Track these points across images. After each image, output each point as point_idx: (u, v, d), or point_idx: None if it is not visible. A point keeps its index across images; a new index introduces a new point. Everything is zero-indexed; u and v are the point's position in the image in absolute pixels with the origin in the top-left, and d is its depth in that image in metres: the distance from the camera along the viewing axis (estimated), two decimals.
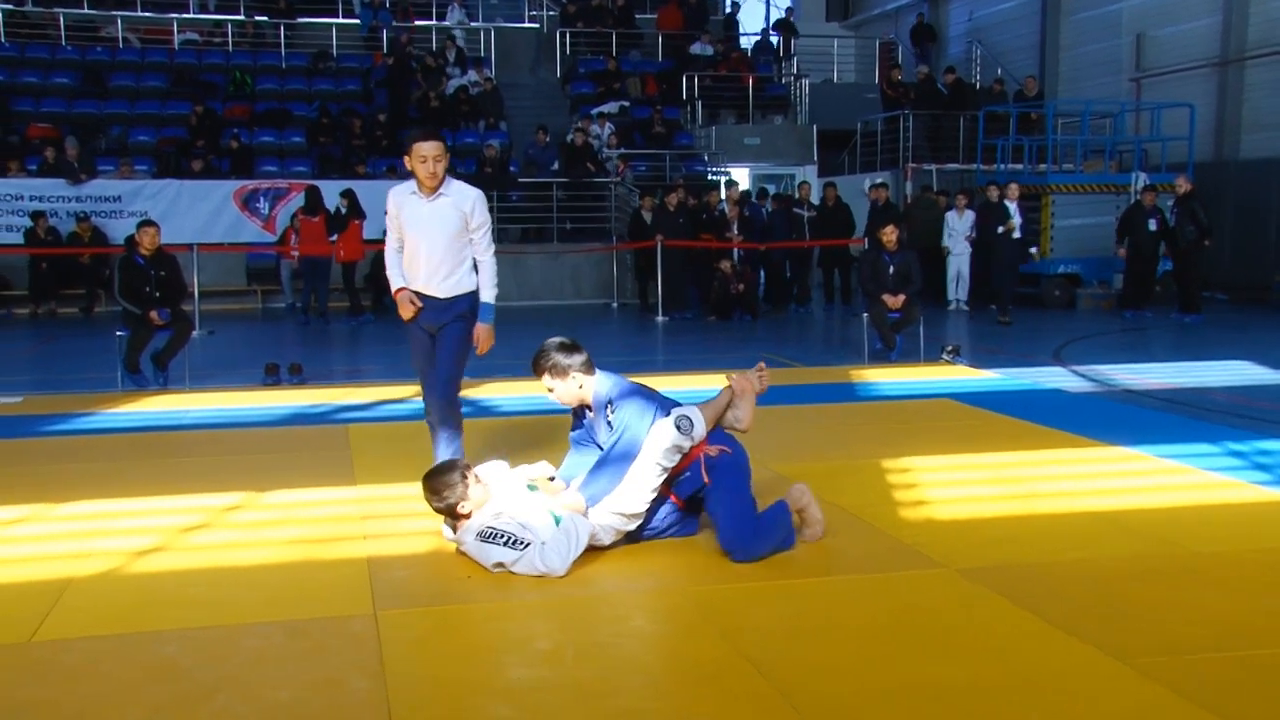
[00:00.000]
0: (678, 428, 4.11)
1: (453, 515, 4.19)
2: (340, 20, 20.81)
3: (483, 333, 5.04)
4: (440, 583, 3.99)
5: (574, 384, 4.33)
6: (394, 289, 5.06)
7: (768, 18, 25.16)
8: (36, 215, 14.19)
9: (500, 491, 4.25)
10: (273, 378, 8.56)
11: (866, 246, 12.84)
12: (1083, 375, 8.88)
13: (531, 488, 4.32)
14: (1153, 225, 13.32)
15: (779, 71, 21.45)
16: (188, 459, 5.93)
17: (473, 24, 20.91)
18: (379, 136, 17.01)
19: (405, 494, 5.08)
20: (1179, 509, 4.85)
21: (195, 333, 9.09)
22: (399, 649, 3.37)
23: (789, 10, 22.31)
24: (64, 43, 19.18)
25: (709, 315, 13.80)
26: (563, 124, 18.42)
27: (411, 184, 4.91)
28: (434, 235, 4.86)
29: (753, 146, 19.54)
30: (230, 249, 15.12)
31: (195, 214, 14.64)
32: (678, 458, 4.16)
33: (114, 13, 19.73)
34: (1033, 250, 13.10)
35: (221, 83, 18.43)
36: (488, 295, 5.04)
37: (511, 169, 16.90)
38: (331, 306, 13.68)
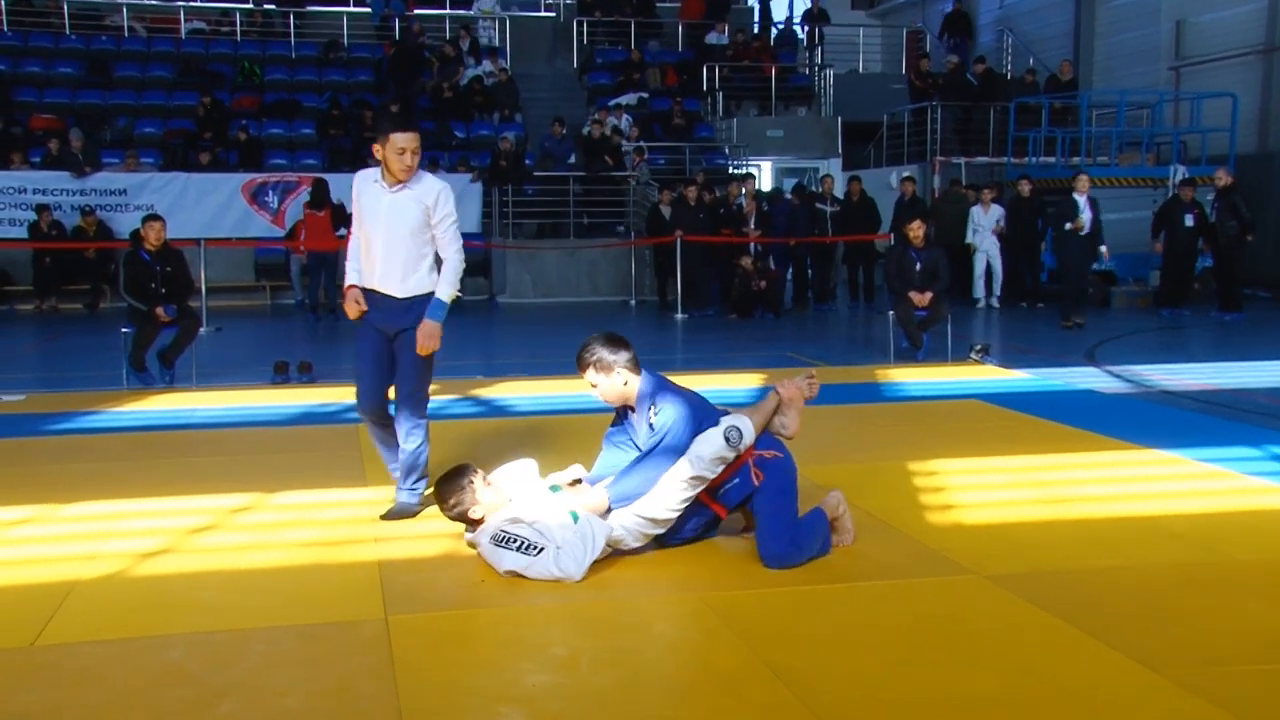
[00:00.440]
0: (726, 439, 3.97)
1: (466, 521, 4.13)
2: (351, 9, 20.66)
3: (427, 330, 4.57)
4: (453, 587, 3.92)
5: (619, 380, 4.19)
6: (346, 283, 4.75)
7: (791, 6, 24.95)
8: (41, 208, 14.17)
9: (518, 494, 4.16)
10: (281, 376, 8.49)
11: (892, 242, 12.67)
12: (1117, 376, 8.72)
13: (555, 489, 4.23)
14: (1190, 220, 13.10)
15: (806, 61, 21.24)
16: (195, 459, 5.88)
17: (485, 11, 20.73)
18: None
19: None
20: (1219, 515, 4.72)
21: (202, 329, 9.03)
22: (411, 654, 3.30)
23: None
24: (68, 31, 19.07)
25: (729, 313, 13.68)
26: (580, 116, 18.30)
27: (377, 171, 4.61)
28: (391, 229, 4.54)
29: (775, 139, 19.36)
30: (238, 244, 15.02)
31: (202, 208, 14.60)
32: (719, 469, 4.04)
33: (119, 0, 19.66)
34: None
35: (229, 73, 18.35)
36: (443, 291, 4.62)
37: (527, 162, 16.78)
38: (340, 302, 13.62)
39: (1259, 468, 5.50)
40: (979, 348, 9.45)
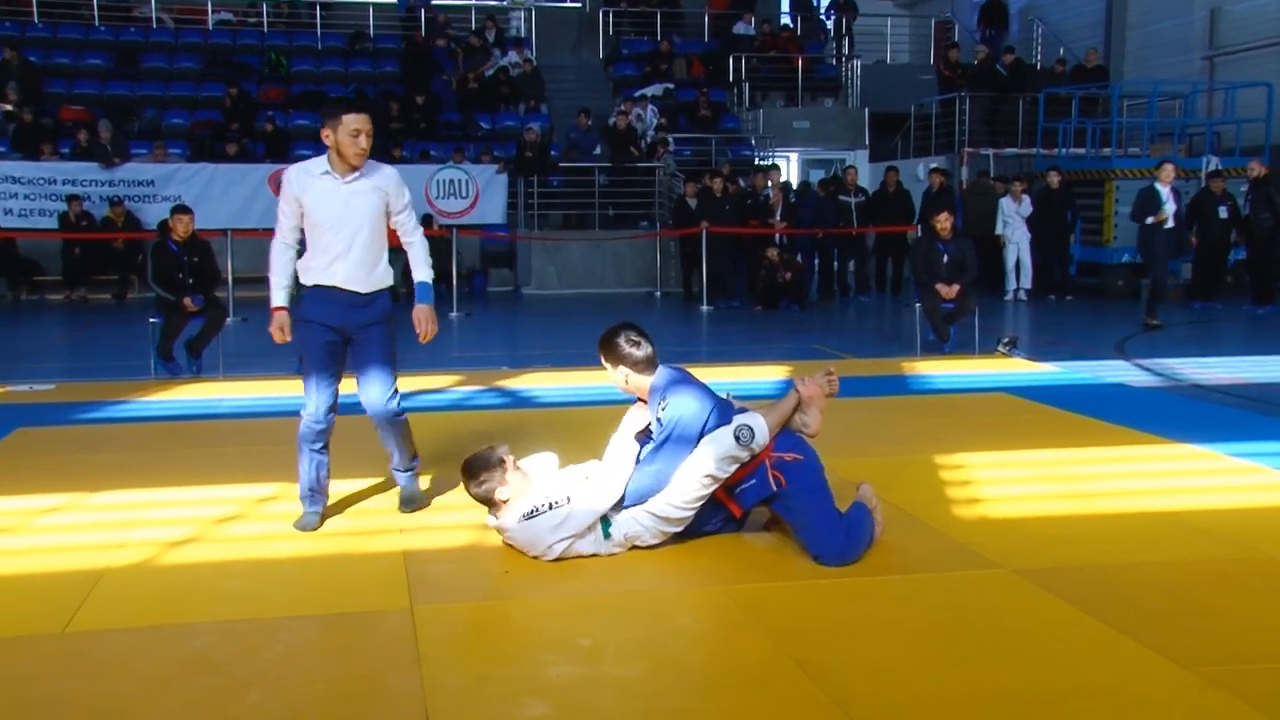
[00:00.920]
0: (737, 438, 3.93)
1: (490, 503, 4.11)
2: (377, 0, 20.75)
3: (424, 314, 4.47)
4: (478, 577, 3.92)
5: (633, 373, 4.16)
6: (273, 303, 4.30)
7: None
8: (71, 199, 14.30)
9: (541, 482, 4.16)
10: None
11: (919, 234, 12.58)
12: (1148, 369, 8.62)
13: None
14: (1223, 212, 12.93)
15: (834, 52, 21.09)
16: (222, 449, 5.91)
17: (517, 1, 20.72)
18: (416, 119, 16.97)
19: (442, 486, 5.03)
20: (1251, 510, 4.65)
21: (229, 320, 9.07)
22: (436, 645, 3.30)
23: None
24: (97, 23, 19.23)
25: (755, 305, 13.63)
26: (605, 107, 18.26)
27: (319, 163, 4.34)
28: (357, 222, 4.29)
29: (802, 130, 19.26)
30: (265, 234, 14.92)
31: (229, 199, 14.69)
32: (733, 468, 4.00)
33: None
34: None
35: (256, 64, 18.44)
36: (423, 275, 4.49)
37: (552, 153, 16.79)
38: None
39: None
40: (1007, 340, 9.36)
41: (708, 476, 3.96)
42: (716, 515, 4.17)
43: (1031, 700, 2.94)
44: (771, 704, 2.94)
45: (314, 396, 4.36)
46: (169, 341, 8.37)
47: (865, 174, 16.58)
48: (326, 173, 4.32)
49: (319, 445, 4.42)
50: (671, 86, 18.77)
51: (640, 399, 4.26)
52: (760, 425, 3.99)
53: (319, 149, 4.49)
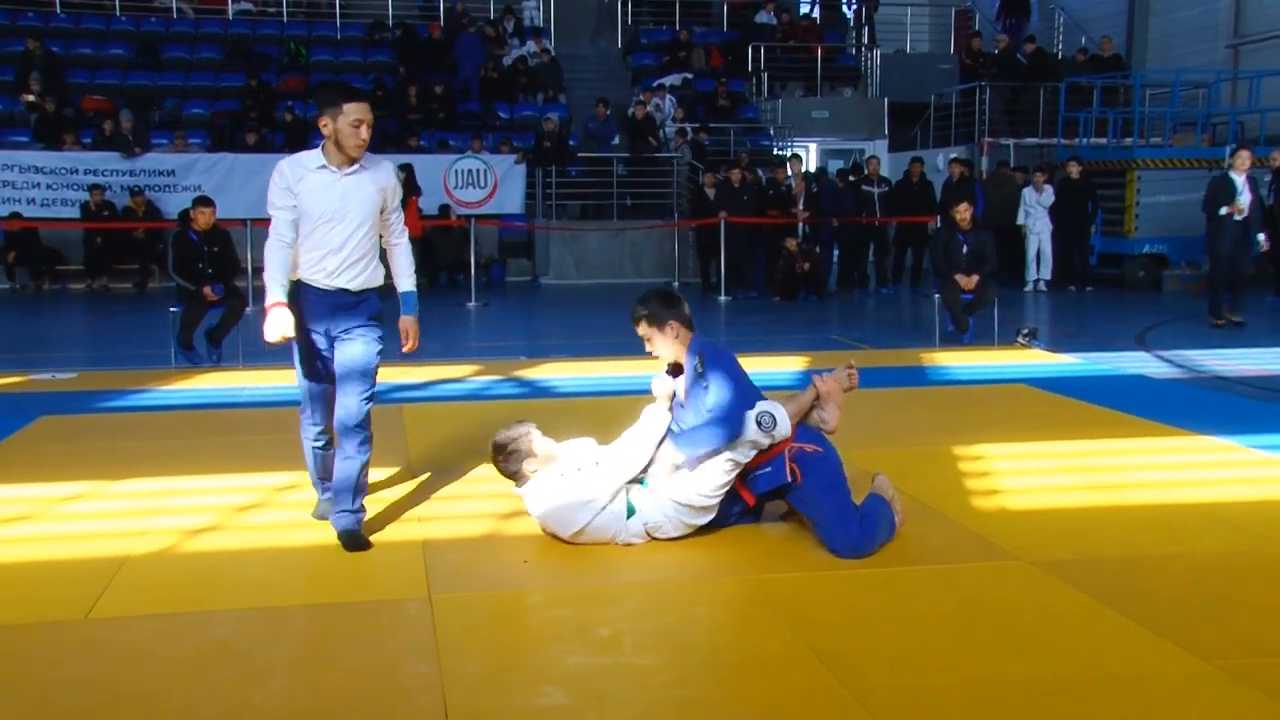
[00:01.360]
0: (759, 423, 3.95)
1: (518, 478, 4.15)
2: None
3: (411, 326, 4.28)
4: (497, 566, 3.93)
5: (670, 335, 4.18)
6: (270, 300, 3.98)
7: None
8: (93, 188, 14.39)
9: (568, 454, 4.20)
10: None
11: (939, 224, 12.50)
12: (1169, 360, 8.55)
13: (642, 483, 4.25)
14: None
15: (853, 41, 20.96)
16: (242, 437, 5.94)
17: None
18: (435, 109, 16.98)
19: (461, 475, 5.04)
20: (1273, 503, 4.62)
21: (249, 309, 9.09)
22: (454, 633, 3.32)
23: None
24: (119, 13, 19.34)
25: (773, 295, 13.59)
26: (624, 97, 18.21)
27: (314, 155, 4.08)
28: (354, 217, 4.05)
29: (821, 120, 19.16)
30: None
31: (249, 188, 14.61)
32: (752, 454, 4.02)
33: None
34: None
35: (276, 54, 18.48)
36: (408, 284, 4.29)
37: (571, 143, 16.77)
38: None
39: None
40: (1026, 331, 9.32)
41: (729, 461, 3.99)
42: (734, 507, 4.18)
43: (1049, 691, 2.93)
44: (789, 694, 2.94)
45: (309, 405, 4.31)
46: (189, 331, 8.42)
47: (884, 164, 16.49)
48: (322, 166, 4.05)
49: (321, 444, 4.38)
50: (690, 76, 18.71)
51: (671, 366, 4.27)
52: (781, 414, 4.02)
53: None
